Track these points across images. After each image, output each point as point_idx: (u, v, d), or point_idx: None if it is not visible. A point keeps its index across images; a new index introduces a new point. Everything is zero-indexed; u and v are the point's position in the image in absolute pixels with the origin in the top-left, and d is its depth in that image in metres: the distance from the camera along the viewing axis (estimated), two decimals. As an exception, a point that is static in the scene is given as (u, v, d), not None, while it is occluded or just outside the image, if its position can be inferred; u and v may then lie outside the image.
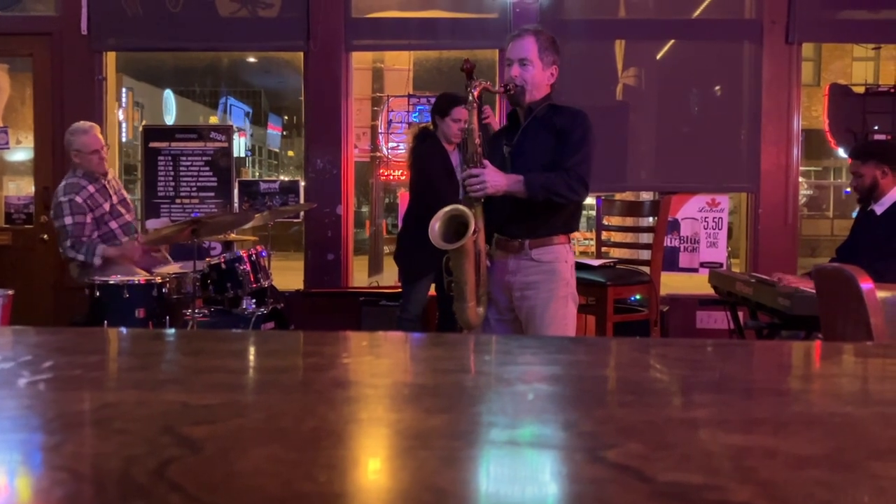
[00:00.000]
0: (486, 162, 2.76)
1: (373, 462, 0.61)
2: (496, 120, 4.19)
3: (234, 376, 0.88)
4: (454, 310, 2.86)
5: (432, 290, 4.35)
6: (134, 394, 0.78)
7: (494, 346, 1.11)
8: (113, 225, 4.30)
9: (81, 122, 4.41)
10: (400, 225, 5.03)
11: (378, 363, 1.00)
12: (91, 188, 4.23)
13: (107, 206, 4.27)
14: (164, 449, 0.59)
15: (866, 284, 1.70)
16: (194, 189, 5.57)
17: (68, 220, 4.13)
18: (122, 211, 4.39)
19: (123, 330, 1.34)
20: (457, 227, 2.69)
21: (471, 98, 2.78)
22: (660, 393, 0.81)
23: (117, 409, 0.72)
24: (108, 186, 4.35)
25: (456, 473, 0.56)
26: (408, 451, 0.62)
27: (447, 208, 2.76)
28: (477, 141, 2.76)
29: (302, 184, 5.65)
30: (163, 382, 0.85)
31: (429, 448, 0.61)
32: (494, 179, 2.71)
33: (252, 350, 1.07)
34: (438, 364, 0.97)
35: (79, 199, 4.16)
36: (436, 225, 2.70)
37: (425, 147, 4.21)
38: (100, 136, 4.33)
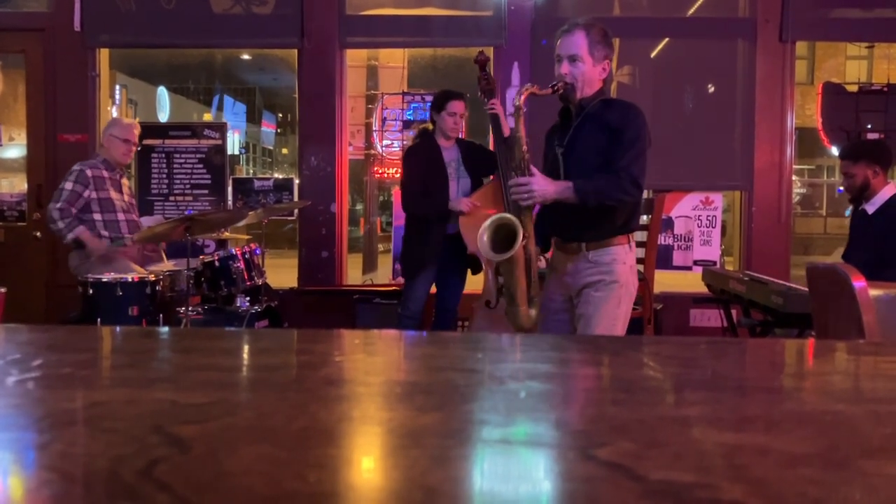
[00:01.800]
0: (534, 169, 2.71)
1: (364, 461, 0.61)
2: (501, 110, 4.22)
3: (224, 374, 0.88)
4: (506, 313, 2.87)
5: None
6: (123, 392, 0.77)
7: (487, 345, 1.11)
8: (120, 217, 4.34)
9: (123, 117, 4.61)
10: (395, 223, 5.05)
11: (370, 361, 0.99)
12: (105, 173, 4.34)
13: (114, 196, 4.33)
14: (152, 448, 0.58)
15: (859, 283, 1.70)
16: (188, 186, 5.55)
17: (68, 185, 4.23)
18: (131, 209, 4.45)
19: (114, 328, 1.33)
20: (505, 236, 2.69)
21: (517, 104, 2.73)
22: (652, 391, 0.81)
23: (106, 407, 0.71)
24: (121, 182, 4.42)
25: (447, 472, 0.56)
26: (399, 449, 0.62)
27: (494, 217, 2.77)
28: (524, 148, 2.73)
29: (296, 181, 5.64)
30: (153, 381, 0.84)
31: (420, 447, 0.61)
32: (542, 187, 2.66)
33: (243, 348, 1.07)
34: (431, 362, 0.97)
35: (88, 173, 4.27)
36: (484, 236, 2.70)
37: (415, 145, 4.30)
38: (137, 134, 4.48)
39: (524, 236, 2.67)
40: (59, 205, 4.18)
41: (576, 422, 0.70)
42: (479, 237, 2.70)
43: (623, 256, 2.77)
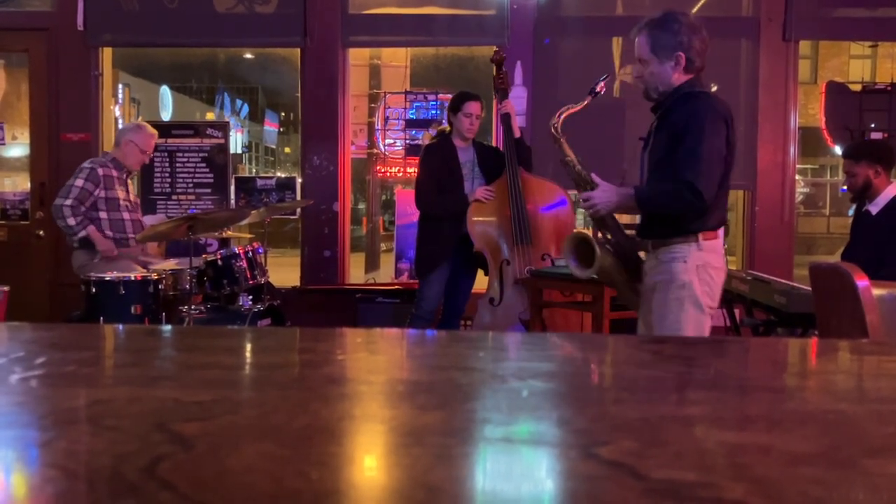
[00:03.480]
0: (598, 180, 2.77)
1: (366, 459, 0.61)
2: (514, 109, 4.30)
3: (227, 373, 0.88)
4: (619, 300, 3.06)
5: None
6: (126, 390, 0.77)
7: (489, 343, 1.11)
8: (125, 216, 4.35)
9: (147, 125, 4.64)
10: (398, 222, 5.07)
11: (372, 360, 0.99)
12: (114, 172, 4.35)
13: (120, 195, 4.34)
14: (155, 446, 0.59)
15: (862, 282, 1.70)
16: (191, 185, 5.56)
17: (79, 182, 4.21)
18: (135, 209, 4.47)
19: (117, 326, 1.33)
20: (585, 250, 2.84)
21: (555, 130, 2.86)
22: (654, 390, 0.81)
23: (109, 405, 0.71)
24: (127, 181, 4.46)
25: (449, 471, 0.56)
26: (401, 448, 0.62)
27: (568, 238, 2.95)
28: (577, 168, 2.83)
29: (299, 180, 5.64)
30: (156, 379, 0.84)
31: (422, 445, 0.61)
32: (603, 199, 2.73)
33: (246, 346, 1.07)
34: (433, 361, 0.97)
35: (100, 172, 4.28)
36: (570, 261, 2.86)
37: (431, 145, 4.42)
38: (153, 146, 4.54)
39: (602, 240, 2.83)
40: (68, 201, 4.16)
41: (578, 420, 0.70)
42: (568, 262, 2.88)
43: (686, 254, 2.66)
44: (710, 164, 2.61)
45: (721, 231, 2.77)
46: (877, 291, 1.68)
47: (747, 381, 0.88)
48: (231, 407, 0.72)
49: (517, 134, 4.24)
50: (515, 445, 0.63)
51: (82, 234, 4.18)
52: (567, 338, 1.54)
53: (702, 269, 2.67)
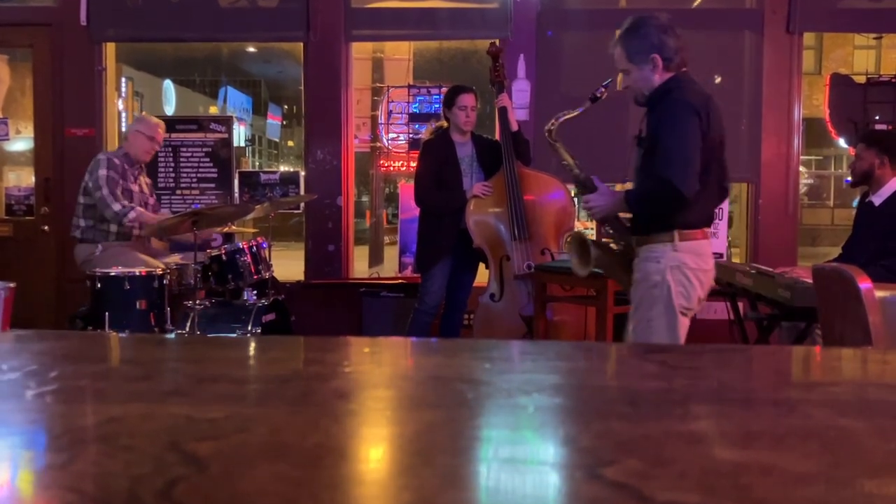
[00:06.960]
0: (598, 184, 2.81)
1: (376, 481, 0.62)
2: (510, 103, 4.30)
3: (236, 387, 0.89)
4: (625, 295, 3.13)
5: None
6: (139, 407, 0.78)
7: (494, 354, 1.12)
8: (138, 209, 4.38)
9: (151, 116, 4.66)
10: (402, 215, 5.09)
11: (379, 372, 1.01)
12: (127, 166, 4.38)
13: (135, 188, 4.38)
14: (170, 467, 0.60)
15: (865, 284, 1.70)
16: (195, 180, 5.56)
17: (103, 172, 4.25)
18: (147, 207, 4.49)
19: (126, 336, 1.35)
20: (583, 248, 2.87)
21: (549, 135, 2.91)
22: (657, 404, 0.82)
23: (123, 423, 0.72)
24: (139, 178, 4.48)
25: (457, 492, 0.57)
26: (410, 469, 0.63)
27: (569, 237, 3.08)
28: (575, 172, 2.87)
29: (302, 174, 5.65)
30: (167, 394, 0.86)
31: (431, 466, 0.62)
32: (599, 203, 2.78)
33: (254, 358, 1.08)
34: (438, 372, 0.98)
35: (116, 161, 4.30)
36: (573, 261, 2.90)
37: (430, 140, 4.40)
38: (161, 134, 4.52)
39: (596, 240, 2.92)
40: (105, 190, 4.21)
41: (583, 438, 0.71)
42: (573, 265, 2.90)
43: (660, 255, 2.66)
44: (686, 159, 2.58)
45: (707, 230, 2.74)
46: (879, 294, 1.69)
47: (751, 394, 0.89)
48: (242, 424, 0.73)
49: (514, 127, 4.23)
50: (521, 466, 0.64)
51: (133, 214, 4.22)
52: (571, 347, 1.55)
53: (676, 270, 2.67)
